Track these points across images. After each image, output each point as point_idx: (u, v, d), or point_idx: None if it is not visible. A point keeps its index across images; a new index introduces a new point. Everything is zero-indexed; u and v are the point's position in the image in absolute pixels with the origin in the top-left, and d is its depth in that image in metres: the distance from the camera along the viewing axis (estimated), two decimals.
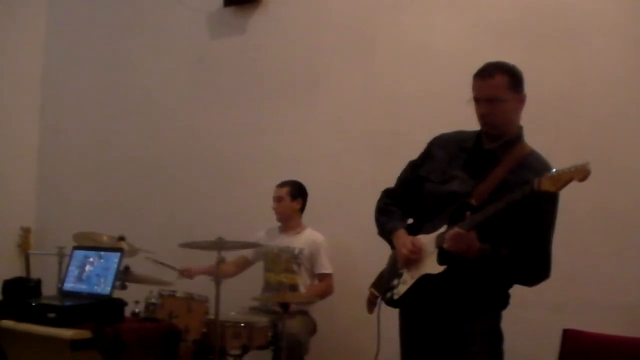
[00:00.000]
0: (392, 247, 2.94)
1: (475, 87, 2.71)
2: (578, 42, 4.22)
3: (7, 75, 6.20)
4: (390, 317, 2.97)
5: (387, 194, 3.06)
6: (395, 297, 2.83)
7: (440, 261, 2.67)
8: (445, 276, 2.65)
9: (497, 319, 2.77)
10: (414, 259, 2.75)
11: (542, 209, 2.60)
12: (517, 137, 2.75)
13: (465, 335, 2.68)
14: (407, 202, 2.96)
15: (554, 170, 2.42)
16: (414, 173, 2.95)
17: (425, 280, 2.72)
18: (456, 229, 2.56)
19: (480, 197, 2.64)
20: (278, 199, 4.73)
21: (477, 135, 2.80)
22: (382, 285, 2.99)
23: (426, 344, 2.81)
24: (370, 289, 3.08)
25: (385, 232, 2.95)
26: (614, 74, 4.11)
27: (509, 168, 2.67)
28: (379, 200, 3.06)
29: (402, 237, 2.83)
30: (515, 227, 2.58)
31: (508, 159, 2.69)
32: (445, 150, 2.86)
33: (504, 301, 2.79)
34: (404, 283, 2.81)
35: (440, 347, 2.75)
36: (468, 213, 2.58)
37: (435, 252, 2.70)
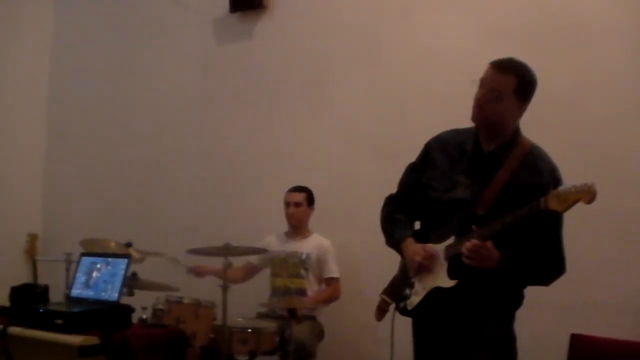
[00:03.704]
0: (402, 255, 2.91)
1: (486, 72, 2.66)
2: (584, 43, 4.22)
3: (13, 81, 6.23)
4: (397, 322, 2.96)
5: (391, 201, 3.02)
6: (409, 307, 2.81)
7: (451, 275, 2.65)
8: (457, 286, 2.63)
9: (511, 320, 2.75)
10: (427, 265, 2.72)
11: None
12: (515, 136, 2.71)
13: (479, 340, 2.65)
14: (412, 207, 2.92)
15: (561, 187, 2.41)
16: (415, 177, 2.91)
17: (437, 290, 2.70)
18: (474, 241, 2.52)
19: (485, 205, 2.62)
20: (297, 204, 4.75)
21: (475, 136, 2.76)
22: (395, 293, 2.96)
23: (440, 351, 2.78)
24: (382, 296, 3.02)
25: (393, 241, 2.91)
26: (621, 75, 4.11)
27: (512, 170, 2.64)
28: (383, 209, 3.02)
29: (412, 245, 2.80)
30: (525, 230, 2.54)
31: (510, 160, 2.66)
32: (445, 154, 2.82)
33: (518, 301, 2.77)
34: (416, 294, 2.78)
35: (454, 353, 2.73)
36: (473, 227, 2.55)
37: (445, 265, 2.68)
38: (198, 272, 4.73)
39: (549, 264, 2.66)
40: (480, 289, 2.64)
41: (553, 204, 2.39)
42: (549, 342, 3.68)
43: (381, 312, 3.02)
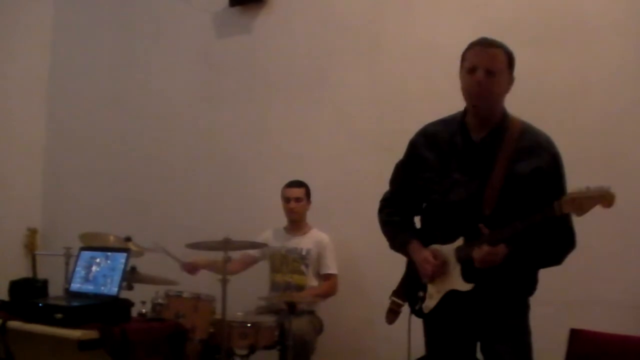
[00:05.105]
0: (408, 258, 2.88)
1: (474, 55, 2.61)
2: (584, 41, 4.21)
3: (13, 77, 6.23)
4: (401, 321, 2.95)
5: (385, 204, 2.97)
6: (425, 311, 2.75)
7: (465, 277, 2.61)
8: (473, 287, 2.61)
9: (526, 311, 2.71)
10: (439, 273, 2.68)
11: (555, 187, 2.56)
12: (503, 119, 2.66)
13: (496, 333, 2.63)
14: (407, 205, 2.88)
15: (574, 191, 2.36)
16: (406, 176, 2.86)
17: (453, 292, 2.66)
18: (485, 248, 2.49)
19: (490, 203, 2.58)
20: (297, 200, 4.75)
21: (461, 125, 2.70)
22: (406, 295, 2.90)
23: (455, 347, 2.75)
24: (392, 299, 2.97)
25: (397, 245, 2.87)
26: (620, 72, 4.10)
27: (508, 159, 2.59)
28: (380, 212, 2.98)
29: (421, 251, 2.74)
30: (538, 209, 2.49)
31: (504, 148, 2.60)
32: (434, 151, 2.75)
33: (532, 286, 2.72)
34: (431, 297, 2.73)
35: (470, 348, 2.73)
36: (481, 226, 2.52)
37: (458, 267, 2.63)
38: (191, 269, 4.70)
39: (559, 242, 2.62)
40: (496, 286, 2.61)
41: (568, 209, 2.37)
42: (549, 337, 3.67)
43: (393, 314, 2.97)
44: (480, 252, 2.51)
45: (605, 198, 2.32)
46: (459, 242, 2.65)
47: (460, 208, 2.64)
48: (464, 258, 2.61)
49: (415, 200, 2.84)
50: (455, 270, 2.65)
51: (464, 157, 2.68)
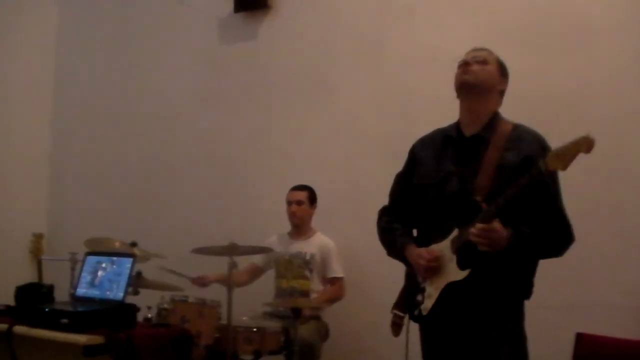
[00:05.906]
0: (406, 264, 2.88)
1: (466, 55, 2.79)
2: (586, 43, 4.22)
3: (18, 82, 6.24)
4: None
5: (385, 212, 3.01)
6: (424, 313, 2.74)
7: (462, 266, 2.60)
8: (468, 280, 2.58)
9: (522, 316, 2.71)
10: (433, 267, 2.68)
11: (546, 179, 2.56)
12: (495, 117, 2.74)
13: (495, 337, 2.62)
14: (407, 215, 2.90)
15: (557, 147, 2.38)
16: (406, 184, 2.90)
17: (450, 289, 2.65)
18: (479, 225, 2.47)
19: (483, 190, 2.58)
20: (298, 203, 4.74)
21: (457, 125, 2.79)
22: (406, 304, 2.90)
23: (452, 353, 2.73)
24: (393, 312, 2.95)
25: (396, 250, 2.88)
26: (621, 74, 4.11)
27: (500, 148, 2.63)
28: (379, 221, 3.01)
29: (416, 250, 2.77)
30: (526, 204, 2.52)
31: (496, 139, 2.65)
32: (430, 150, 2.83)
33: (528, 289, 2.71)
34: (429, 297, 2.72)
35: (468, 353, 2.70)
36: (480, 202, 2.53)
37: (454, 258, 2.63)
38: (202, 283, 4.71)
39: (556, 233, 2.62)
40: (493, 275, 2.59)
41: (554, 164, 2.37)
42: (554, 341, 3.67)
43: (397, 327, 2.95)
44: (476, 227, 2.49)
45: (584, 143, 2.34)
46: (454, 233, 2.65)
47: (455, 199, 2.67)
48: (460, 245, 2.61)
49: (413, 210, 2.86)
50: (452, 262, 2.65)
51: (458, 150, 2.74)
